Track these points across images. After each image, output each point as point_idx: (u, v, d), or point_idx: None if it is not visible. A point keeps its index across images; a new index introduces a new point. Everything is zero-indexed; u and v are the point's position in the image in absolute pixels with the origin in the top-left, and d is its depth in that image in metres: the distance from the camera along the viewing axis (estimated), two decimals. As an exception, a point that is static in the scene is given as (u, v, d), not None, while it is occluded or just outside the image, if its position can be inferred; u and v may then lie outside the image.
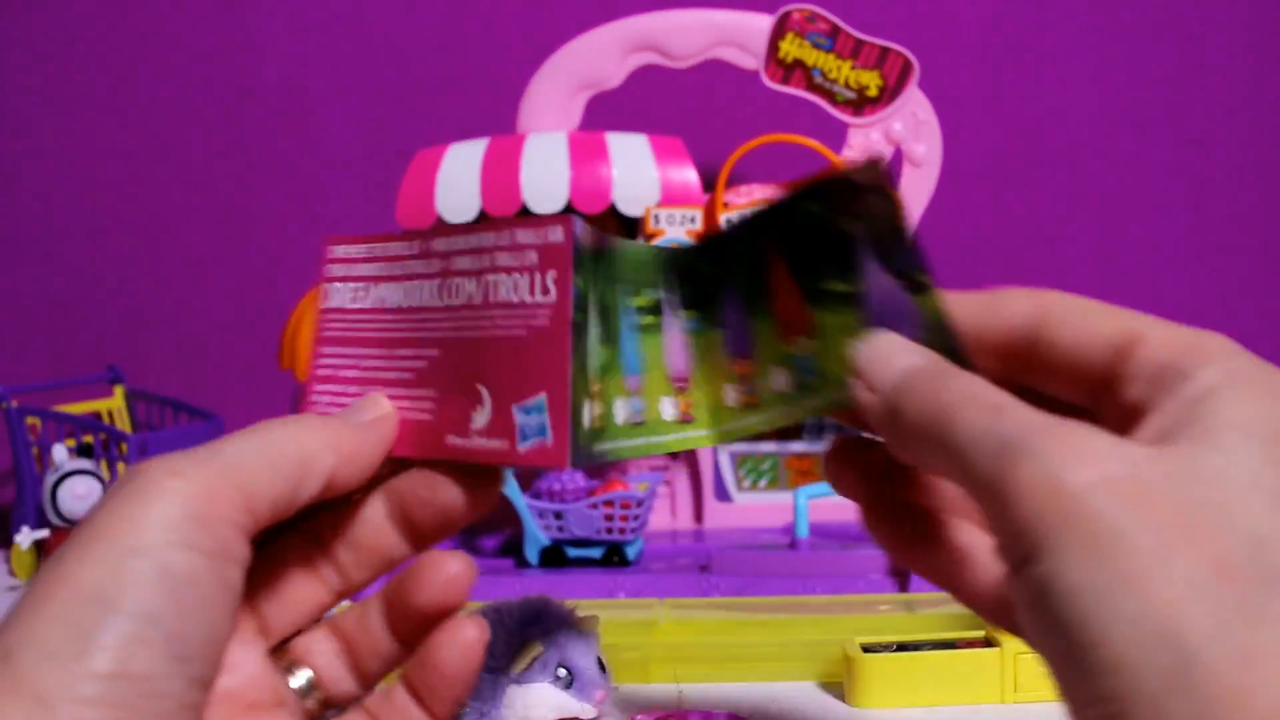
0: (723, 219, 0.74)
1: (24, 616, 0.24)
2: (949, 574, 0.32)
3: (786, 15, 0.78)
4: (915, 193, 0.79)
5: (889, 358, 0.28)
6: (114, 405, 0.90)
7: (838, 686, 0.56)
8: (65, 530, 0.77)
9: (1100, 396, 0.27)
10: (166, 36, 0.95)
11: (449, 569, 0.30)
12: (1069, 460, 0.23)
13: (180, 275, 0.98)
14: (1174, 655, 0.20)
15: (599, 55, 0.80)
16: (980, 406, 0.25)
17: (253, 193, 0.97)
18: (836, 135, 0.79)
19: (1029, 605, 0.23)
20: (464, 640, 0.30)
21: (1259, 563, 0.21)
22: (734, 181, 0.81)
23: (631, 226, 0.80)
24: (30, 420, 0.83)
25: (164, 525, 0.25)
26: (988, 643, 0.56)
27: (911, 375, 0.27)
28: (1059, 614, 0.22)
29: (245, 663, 0.29)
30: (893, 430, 0.28)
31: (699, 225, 0.75)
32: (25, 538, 0.77)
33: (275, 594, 0.31)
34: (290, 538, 0.32)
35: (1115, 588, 0.21)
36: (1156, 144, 0.96)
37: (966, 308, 0.29)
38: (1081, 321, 0.27)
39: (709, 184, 0.79)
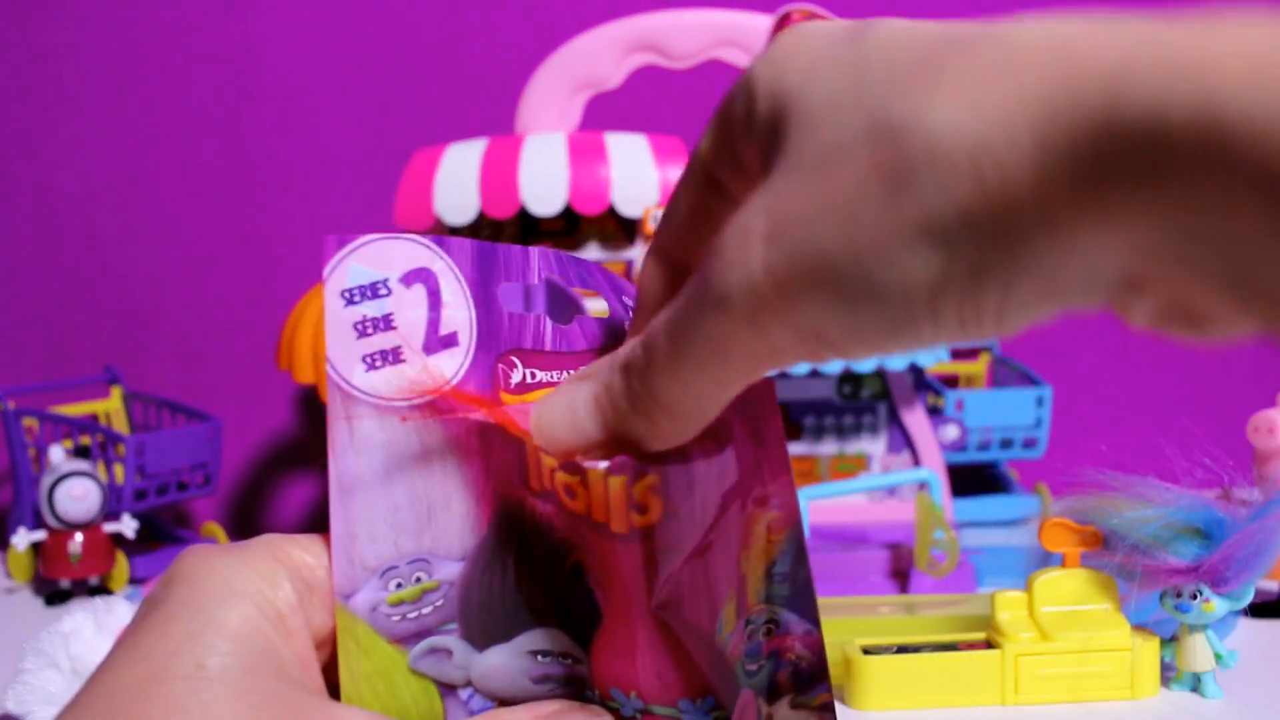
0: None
1: None
2: None
3: (786, 15, 0.78)
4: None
5: (566, 408, 0.28)
6: (111, 406, 0.90)
7: (838, 688, 0.56)
8: (62, 532, 0.76)
9: None
10: (165, 35, 0.95)
11: None
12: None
13: (178, 276, 0.97)
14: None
15: (598, 55, 0.80)
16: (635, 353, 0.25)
17: (251, 193, 0.97)
18: (836, 136, 0.79)
19: None
20: None
21: None
22: (733, 182, 0.81)
23: (631, 227, 0.79)
24: (27, 422, 0.83)
25: None
26: (989, 645, 0.56)
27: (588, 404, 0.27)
28: None
29: None
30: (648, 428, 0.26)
31: (698, 226, 0.75)
32: (22, 539, 0.77)
33: None
34: None
35: None
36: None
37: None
38: None
39: (708, 184, 0.79)
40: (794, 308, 0.22)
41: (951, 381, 0.94)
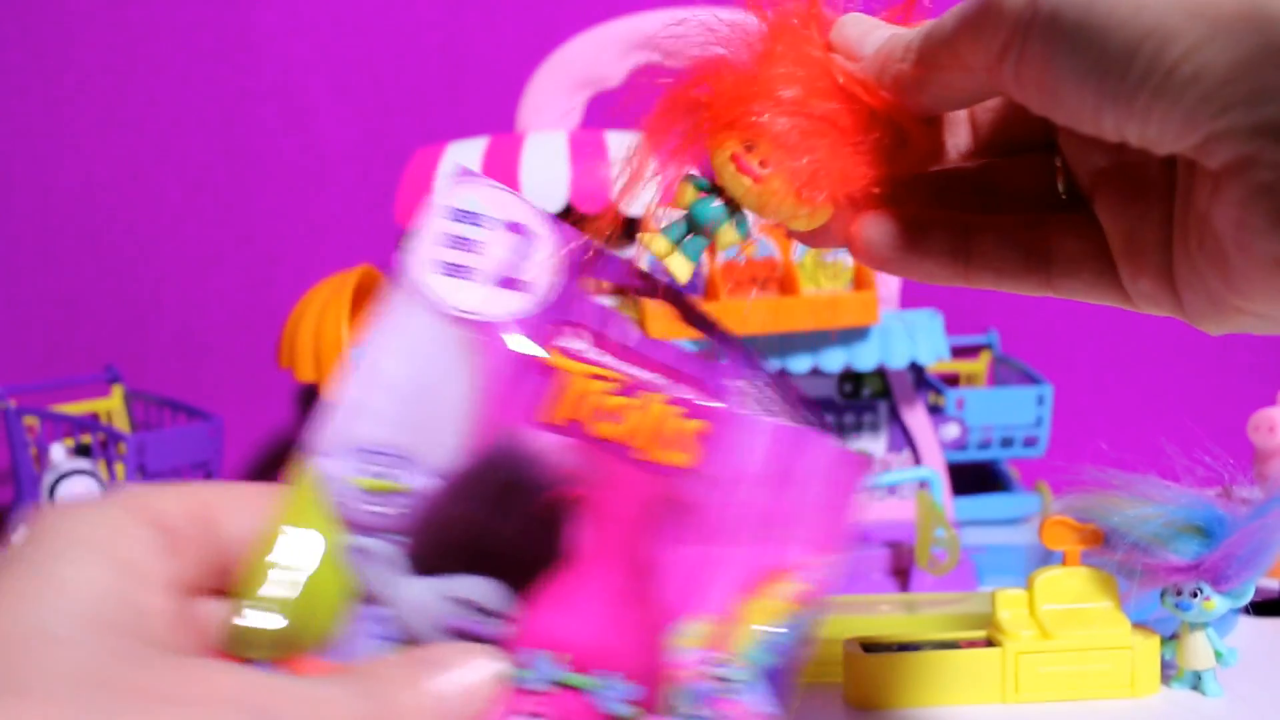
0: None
1: None
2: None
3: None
4: (916, 192, 0.79)
5: (867, 32, 0.33)
6: (112, 405, 0.90)
7: (838, 686, 0.56)
8: (63, 530, 0.76)
9: None
10: (164, 34, 0.95)
11: None
12: None
13: (179, 274, 0.97)
14: None
15: (599, 54, 0.80)
16: None
17: (251, 192, 0.97)
18: (837, 134, 0.79)
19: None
20: None
21: None
22: (734, 181, 0.81)
23: (632, 226, 0.79)
24: (28, 420, 0.83)
25: None
26: (989, 643, 0.56)
27: (897, 35, 0.32)
28: None
29: None
30: (919, 72, 0.31)
31: (699, 224, 0.75)
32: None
33: None
34: None
35: None
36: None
37: None
38: None
39: (709, 183, 0.79)
40: (1047, 52, 0.27)
41: (952, 380, 0.94)
